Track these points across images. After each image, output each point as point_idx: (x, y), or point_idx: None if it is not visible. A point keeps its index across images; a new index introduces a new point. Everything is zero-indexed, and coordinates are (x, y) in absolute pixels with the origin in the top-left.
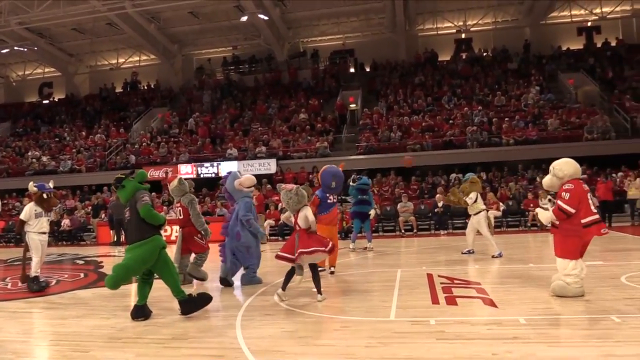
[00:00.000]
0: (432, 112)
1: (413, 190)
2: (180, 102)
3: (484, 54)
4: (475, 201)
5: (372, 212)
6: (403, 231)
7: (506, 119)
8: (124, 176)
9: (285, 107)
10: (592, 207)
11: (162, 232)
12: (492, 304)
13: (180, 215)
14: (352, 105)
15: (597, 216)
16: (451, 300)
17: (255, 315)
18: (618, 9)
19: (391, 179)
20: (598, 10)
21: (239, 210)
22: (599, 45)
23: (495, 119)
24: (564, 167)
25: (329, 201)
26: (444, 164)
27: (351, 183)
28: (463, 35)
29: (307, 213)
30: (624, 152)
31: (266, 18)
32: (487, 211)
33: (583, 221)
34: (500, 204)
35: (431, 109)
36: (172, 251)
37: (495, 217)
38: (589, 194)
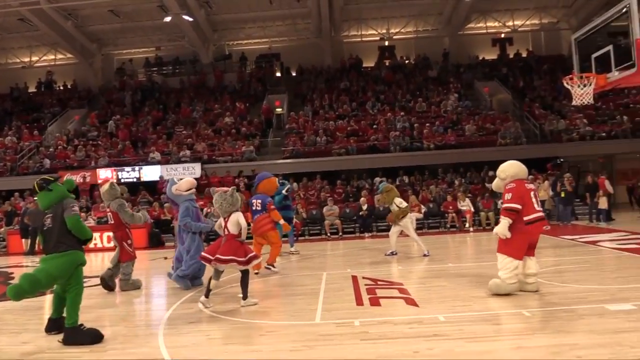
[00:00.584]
0: (357, 117)
1: (338, 194)
2: (100, 104)
3: (406, 61)
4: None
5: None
6: (329, 234)
7: (427, 124)
8: (52, 179)
9: (210, 110)
10: (536, 205)
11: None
12: (413, 303)
13: (111, 220)
14: (278, 109)
15: (539, 214)
16: (375, 301)
17: (178, 323)
18: (528, 22)
19: (317, 183)
20: (510, 23)
21: (179, 216)
22: (511, 56)
23: (417, 124)
24: (506, 169)
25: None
26: (368, 168)
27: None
28: (386, 43)
29: (240, 219)
30: (533, 156)
31: (191, 19)
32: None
33: (525, 219)
34: (422, 206)
35: (356, 114)
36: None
37: (417, 219)
38: (532, 193)
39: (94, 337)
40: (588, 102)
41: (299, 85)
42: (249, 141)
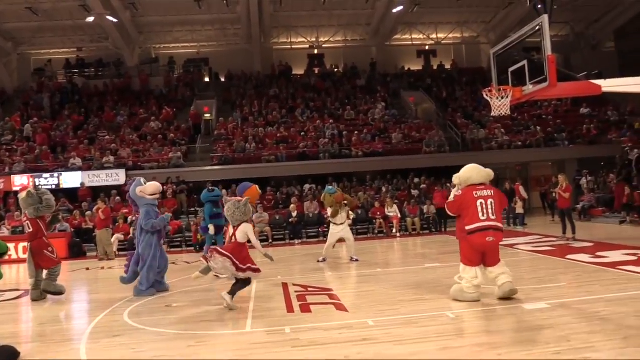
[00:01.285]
0: (287, 124)
1: (268, 201)
2: (15, 106)
3: (335, 69)
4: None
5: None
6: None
7: (355, 132)
8: None
9: (135, 115)
10: (481, 215)
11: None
12: (343, 309)
13: (30, 229)
14: (207, 115)
15: (482, 224)
16: (305, 308)
17: (102, 336)
18: (451, 36)
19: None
20: (434, 36)
21: (140, 220)
22: (435, 67)
23: (346, 132)
24: (460, 173)
25: None
26: (298, 175)
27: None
28: (316, 51)
29: (249, 232)
30: (456, 163)
31: (115, 20)
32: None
33: (467, 228)
34: (351, 212)
35: (285, 121)
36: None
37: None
38: (479, 202)
39: (8, 355)
40: (505, 113)
41: (228, 91)
42: (176, 147)
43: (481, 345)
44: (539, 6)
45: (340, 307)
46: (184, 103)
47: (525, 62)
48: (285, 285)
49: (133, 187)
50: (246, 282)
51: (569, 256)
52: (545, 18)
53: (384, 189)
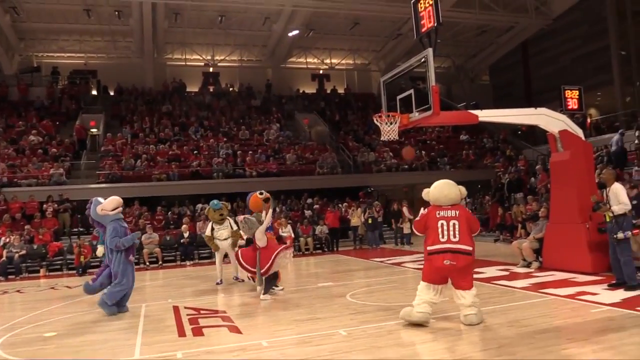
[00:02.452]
0: (179, 142)
1: (158, 221)
2: None
3: (230, 88)
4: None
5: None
6: (147, 263)
7: (249, 152)
8: None
9: (12, 127)
10: (441, 236)
11: None
12: (237, 330)
13: None
14: (94, 130)
15: (441, 246)
16: (198, 331)
17: None
18: (344, 61)
19: (135, 209)
20: (328, 61)
21: (107, 238)
22: (328, 91)
23: (240, 151)
24: (430, 190)
25: None
26: (190, 194)
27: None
28: (211, 69)
29: (257, 233)
30: (348, 185)
31: None
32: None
33: (428, 248)
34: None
35: (178, 139)
36: None
37: (240, 246)
38: (441, 222)
39: None
40: (394, 138)
41: (117, 105)
42: (58, 163)
43: None
44: (425, 39)
45: (233, 329)
46: (67, 116)
47: (412, 91)
48: (176, 309)
49: (92, 208)
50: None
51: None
52: (430, 51)
53: (277, 209)
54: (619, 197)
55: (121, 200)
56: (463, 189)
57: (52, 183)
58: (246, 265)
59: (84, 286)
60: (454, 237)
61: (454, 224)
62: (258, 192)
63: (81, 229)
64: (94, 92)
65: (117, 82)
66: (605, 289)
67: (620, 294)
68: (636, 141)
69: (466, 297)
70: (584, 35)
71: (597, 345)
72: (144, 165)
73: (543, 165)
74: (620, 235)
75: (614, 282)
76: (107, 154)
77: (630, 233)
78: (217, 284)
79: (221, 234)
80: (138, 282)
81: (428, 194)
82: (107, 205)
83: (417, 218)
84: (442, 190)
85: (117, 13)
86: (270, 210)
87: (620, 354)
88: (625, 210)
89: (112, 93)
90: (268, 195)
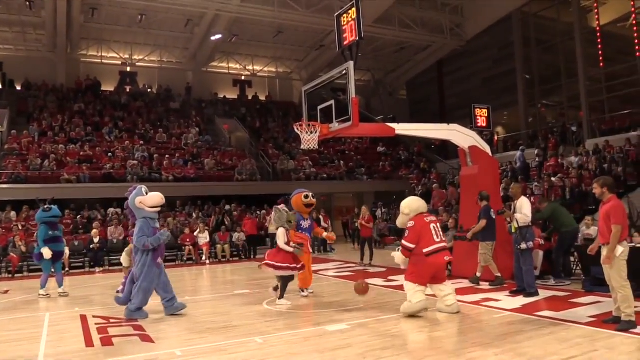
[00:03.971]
0: (92, 143)
1: (67, 225)
2: None
3: (149, 90)
4: None
5: (67, 251)
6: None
7: (167, 155)
8: None
9: None
10: (435, 237)
11: None
12: (149, 339)
13: None
14: None
15: (438, 245)
16: (107, 341)
17: None
18: (266, 69)
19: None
20: (251, 67)
21: (134, 236)
22: (250, 97)
23: (157, 155)
24: (410, 204)
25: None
26: (102, 198)
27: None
28: (128, 69)
29: (278, 233)
30: (267, 192)
31: None
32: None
33: (425, 251)
34: None
35: (90, 139)
36: None
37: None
38: (432, 225)
39: None
40: (314, 147)
41: (24, 101)
42: None
43: None
44: (347, 52)
45: (145, 338)
46: None
47: (332, 102)
48: (83, 318)
49: (133, 196)
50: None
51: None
52: (351, 64)
53: (194, 215)
54: (523, 209)
55: (163, 200)
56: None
57: None
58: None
59: (115, 300)
60: (440, 237)
61: (436, 226)
62: (304, 194)
63: None
64: None
65: (25, 76)
66: (507, 295)
67: (520, 300)
68: (537, 159)
69: (447, 287)
70: (493, 58)
71: (499, 348)
72: (52, 165)
73: (441, 184)
74: (523, 245)
75: (515, 289)
76: (11, 153)
77: (532, 244)
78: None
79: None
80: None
81: (409, 207)
82: (147, 200)
83: (407, 235)
84: (418, 201)
85: (28, 3)
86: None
87: (519, 355)
88: (526, 222)
89: (19, 88)
90: (313, 201)
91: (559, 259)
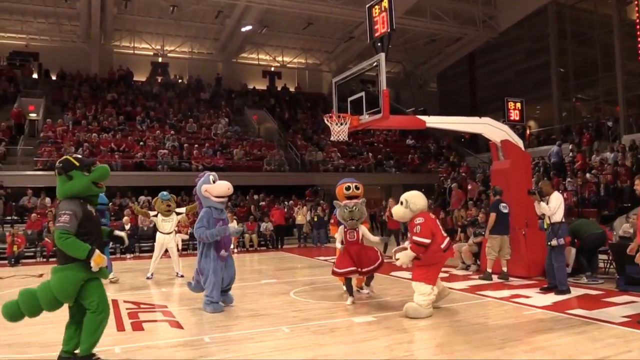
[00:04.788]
0: (124, 132)
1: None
2: None
3: (179, 80)
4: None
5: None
6: None
7: (196, 145)
8: (76, 163)
9: None
10: (444, 233)
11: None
12: (178, 325)
13: None
14: (33, 115)
15: (447, 240)
16: (137, 326)
17: None
18: (295, 60)
19: None
20: (280, 59)
21: (195, 224)
22: (279, 88)
23: (187, 144)
24: (417, 201)
25: None
26: (133, 186)
27: None
28: (160, 59)
29: (365, 232)
30: (294, 183)
31: None
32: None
33: (442, 246)
34: (189, 228)
35: (123, 129)
36: None
37: (183, 240)
38: (437, 221)
39: None
40: (343, 139)
41: (59, 90)
42: None
43: (314, 359)
44: (378, 44)
45: (174, 324)
46: (5, 99)
47: (363, 94)
48: (115, 302)
49: (200, 183)
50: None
51: (392, 273)
52: (382, 56)
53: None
54: (550, 202)
55: (231, 190)
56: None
57: None
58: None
59: (187, 286)
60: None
61: (438, 222)
62: (345, 185)
63: (15, 218)
64: (35, 76)
65: (60, 66)
66: (538, 292)
67: (551, 298)
68: (570, 154)
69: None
70: (527, 51)
71: (528, 345)
72: (85, 153)
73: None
74: (554, 242)
75: (545, 286)
76: (46, 141)
77: (563, 240)
78: (148, 278)
79: (165, 226)
80: None
81: (416, 204)
82: (213, 189)
83: (419, 231)
84: (424, 199)
85: None
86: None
87: (549, 354)
88: (549, 214)
89: (54, 77)
90: (356, 193)
91: (580, 258)
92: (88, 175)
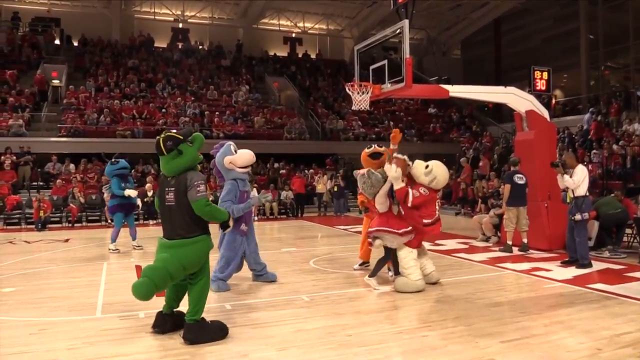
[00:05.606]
0: (145, 99)
1: None
2: None
3: (200, 47)
4: None
5: (139, 203)
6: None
7: (217, 113)
8: (180, 137)
9: None
10: (438, 210)
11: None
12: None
13: None
14: (55, 81)
15: (436, 217)
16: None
17: None
18: (317, 26)
19: (97, 165)
20: (301, 24)
21: (220, 197)
22: (300, 55)
23: (207, 112)
24: (440, 178)
25: None
26: (154, 153)
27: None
28: (180, 25)
29: (383, 194)
30: (315, 151)
31: None
32: None
33: (425, 221)
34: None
35: (144, 95)
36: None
37: None
38: (436, 202)
39: (220, 331)
40: (365, 108)
41: (81, 57)
42: (17, 114)
43: (333, 327)
44: (401, 10)
45: None
46: (28, 65)
47: (385, 62)
48: (138, 268)
49: (220, 154)
50: (387, 257)
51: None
52: (405, 23)
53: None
54: (575, 175)
55: (254, 158)
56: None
57: (11, 134)
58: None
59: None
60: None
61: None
62: (366, 149)
63: (41, 183)
64: (57, 42)
65: (81, 32)
66: (559, 265)
67: (572, 272)
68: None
69: (426, 260)
70: (555, 17)
71: (548, 319)
72: (107, 120)
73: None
74: (578, 217)
75: (566, 259)
76: (70, 107)
77: (587, 215)
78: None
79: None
80: (98, 240)
81: (436, 180)
82: (237, 159)
83: (418, 195)
84: (445, 173)
85: None
86: (397, 169)
87: (569, 328)
88: (572, 187)
89: (75, 44)
90: (378, 149)
91: (602, 232)
92: (192, 145)
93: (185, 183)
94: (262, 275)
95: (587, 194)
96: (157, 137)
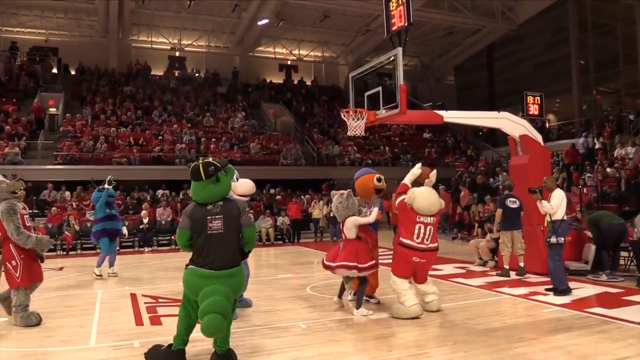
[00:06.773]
0: (142, 126)
1: (118, 206)
2: None
3: (196, 74)
4: None
5: (125, 230)
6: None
7: (213, 139)
8: (219, 165)
9: None
10: (416, 237)
11: None
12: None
13: None
14: (52, 109)
15: (414, 243)
16: (156, 320)
17: None
18: (312, 53)
19: (92, 191)
20: (297, 52)
21: None
22: (295, 82)
23: (204, 138)
24: (416, 201)
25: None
26: (150, 180)
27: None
28: (177, 54)
29: (355, 222)
30: (311, 177)
31: None
32: None
33: (402, 240)
34: None
35: (140, 123)
36: None
37: None
38: (419, 225)
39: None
40: (360, 134)
41: (78, 85)
42: (13, 142)
43: (330, 355)
44: (395, 38)
45: None
46: (25, 94)
47: (380, 89)
48: (133, 296)
49: None
50: (363, 284)
51: None
52: (399, 50)
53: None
54: (552, 199)
55: (254, 189)
56: (442, 201)
57: (7, 162)
58: (327, 263)
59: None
60: (421, 239)
61: (430, 229)
62: (376, 177)
63: (35, 211)
64: (54, 71)
65: (79, 61)
66: (544, 291)
67: (570, 296)
68: (597, 145)
69: (429, 287)
70: (546, 43)
71: (547, 344)
72: (104, 147)
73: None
74: (553, 239)
75: (550, 287)
76: (66, 135)
77: (562, 239)
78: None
79: None
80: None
81: (413, 200)
82: (237, 186)
83: (400, 199)
84: (431, 201)
85: None
86: (375, 209)
87: (568, 353)
88: (551, 212)
89: (73, 72)
90: (384, 186)
91: (602, 253)
92: (227, 175)
93: (238, 208)
94: (240, 301)
95: (565, 217)
96: (194, 162)
